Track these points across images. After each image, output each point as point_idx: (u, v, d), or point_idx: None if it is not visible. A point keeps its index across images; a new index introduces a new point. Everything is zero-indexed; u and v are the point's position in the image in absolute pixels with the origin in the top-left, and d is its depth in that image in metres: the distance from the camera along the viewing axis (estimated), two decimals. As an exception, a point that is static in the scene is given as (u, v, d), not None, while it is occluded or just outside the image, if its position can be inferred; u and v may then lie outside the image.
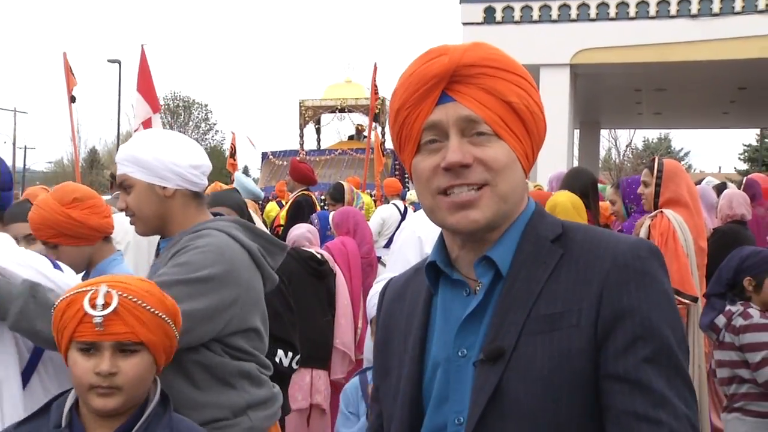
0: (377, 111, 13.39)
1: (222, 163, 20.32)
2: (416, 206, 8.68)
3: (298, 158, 10.42)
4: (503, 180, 1.18)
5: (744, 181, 6.70)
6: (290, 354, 3.24)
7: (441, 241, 1.29)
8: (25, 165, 47.20)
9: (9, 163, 2.81)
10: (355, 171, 13.44)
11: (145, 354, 1.64)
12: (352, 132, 17.19)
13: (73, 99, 7.65)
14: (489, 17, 15.59)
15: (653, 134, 48.60)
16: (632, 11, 14.90)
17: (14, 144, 44.70)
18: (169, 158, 2.17)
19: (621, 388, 1.09)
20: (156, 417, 1.68)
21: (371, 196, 10.83)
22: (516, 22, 15.40)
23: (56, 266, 1.88)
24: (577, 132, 22.72)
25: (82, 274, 2.50)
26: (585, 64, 15.33)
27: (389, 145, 15.43)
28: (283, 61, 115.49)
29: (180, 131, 45.32)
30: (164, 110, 43.59)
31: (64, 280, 1.99)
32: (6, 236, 2.06)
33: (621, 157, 46.56)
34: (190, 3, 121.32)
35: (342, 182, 8.13)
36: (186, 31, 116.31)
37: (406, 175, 14.25)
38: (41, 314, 1.81)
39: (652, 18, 14.75)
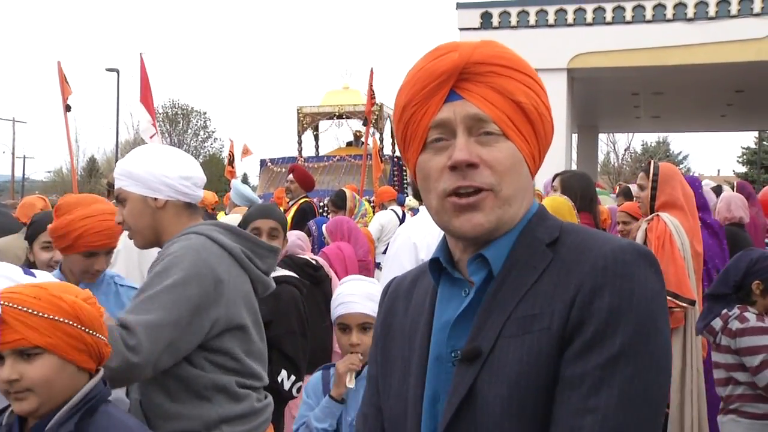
0: (375, 117, 13.40)
1: (221, 170, 20.33)
2: (415, 212, 8.69)
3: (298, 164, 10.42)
4: (508, 183, 1.15)
5: (736, 184, 6.75)
6: (293, 378, 3.16)
7: (445, 241, 1.27)
8: (24, 174, 47.32)
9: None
10: (353, 177, 13.41)
11: (49, 355, 1.68)
12: (351, 138, 17.19)
13: (68, 108, 7.64)
14: (486, 22, 15.65)
15: (652, 138, 48.77)
16: (629, 15, 14.95)
17: (13, 153, 44.74)
18: (160, 170, 2.23)
19: (563, 389, 1.05)
20: (70, 417, 1.70)
21: (370, 202, 10.83)
22: (512, 27, 15.45)
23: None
24: (575, 136, 22.75)
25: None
26: (582, 68, 15.39)
27: (387, 151, 15.44)
28: (281, 67, 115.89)
29: (179, 139, 45.48)
30: (163, 118, 43.56)
31: None
32: None
33: (620, 161, 46.68)
34: (187, 11, 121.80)
35: (344, 189, 8.08)
36: (184, 38, 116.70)
37: (405, 182, 14.24)
38: None
39: (649, 22, 14.81)
